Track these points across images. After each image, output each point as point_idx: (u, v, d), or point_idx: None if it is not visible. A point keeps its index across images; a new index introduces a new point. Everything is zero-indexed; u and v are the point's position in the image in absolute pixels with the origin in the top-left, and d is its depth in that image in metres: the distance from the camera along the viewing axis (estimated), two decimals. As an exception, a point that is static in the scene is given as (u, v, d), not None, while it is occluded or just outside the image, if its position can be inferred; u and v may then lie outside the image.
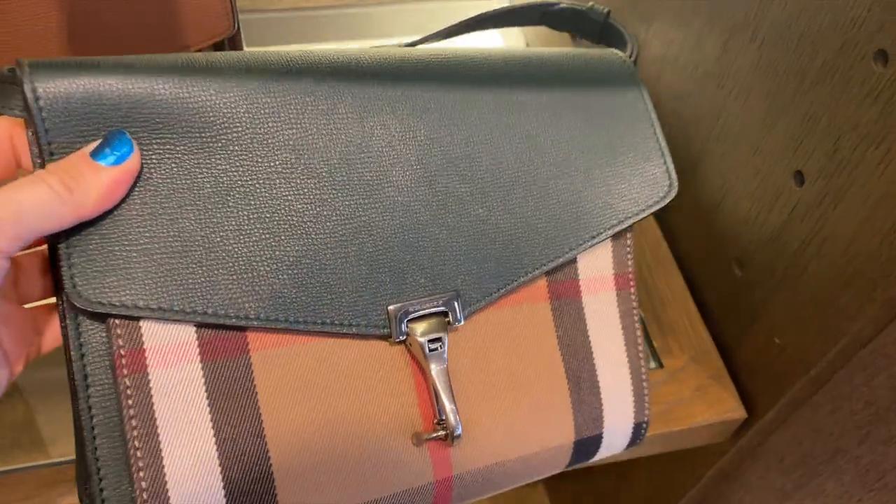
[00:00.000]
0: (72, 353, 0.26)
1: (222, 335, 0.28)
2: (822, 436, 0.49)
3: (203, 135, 0.28)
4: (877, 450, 0.45)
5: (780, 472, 0.55)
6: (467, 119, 0.33)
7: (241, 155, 0.28)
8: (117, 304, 0.25)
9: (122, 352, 0.26)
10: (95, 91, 0.26)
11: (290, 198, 0.28)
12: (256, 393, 0.28)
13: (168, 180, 0.27)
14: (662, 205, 0.39)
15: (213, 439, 0.27)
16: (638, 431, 0.39)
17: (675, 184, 0.39)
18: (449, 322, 0.31)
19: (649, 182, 0.38)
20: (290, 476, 0.29)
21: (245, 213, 0.28)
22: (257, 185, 0.28)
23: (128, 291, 0.26)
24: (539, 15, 0.43)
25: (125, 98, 0.26)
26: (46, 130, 0.25)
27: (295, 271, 0.28)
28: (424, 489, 0.32)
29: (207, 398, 0.27)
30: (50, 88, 0.25)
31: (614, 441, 0.38)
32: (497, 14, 0.41)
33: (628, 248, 0.39)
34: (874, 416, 0.44)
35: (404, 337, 0.30)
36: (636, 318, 0.39)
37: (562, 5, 0.43)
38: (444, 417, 0.31)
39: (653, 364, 0.54)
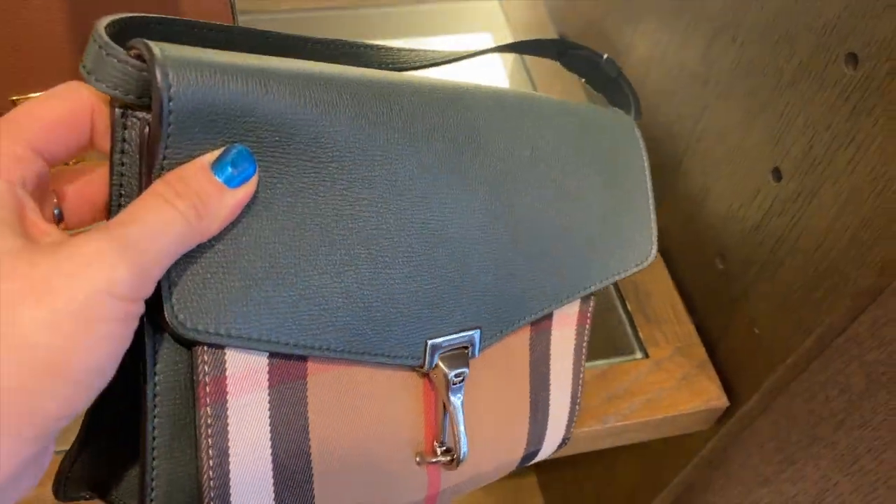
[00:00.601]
0: (147, 373, 0.25)
1: (289, 361, 0.28)
2: (800, 423, 0.51)
3: (314, 158, 0.26)
4: (852, 434, 0.47)
5: (761, 458, 0.57)
6: (521, 167, 0.33)
7: (343, 184, 0.27)
8: (212, 332, 0.24)
9: (208, 379, 0.25)
10: (227, 95, 0.23)
11: (373, 233, 0.28)
12: (308, 413, 0.28)
13: (275, 205, 0.25)
14: (640, 269, 0.40)
15: (270, 457, 0.28)
16: (562, 444, 0.43)
17: (655, 250, 0.41)
18: (468, 355, 0.33)
19: (638, 246, 0.40)
20: (324, 488, 0.30)
21: (336, 245, 0.27)
22: (351, 218, 0.27)
23: (224, 319, 0.24)
24: (557, 52, 0.44)
25: (250, 106, 0.24)
26: (169, 135, 0.22)
27: (365, 305, 0.28)
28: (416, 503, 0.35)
29: (269, 421, 0.27)
30: (185, 84, 0.22)
31: (546, 452, 0.42)
32: (522, 43, 0.42)
33: (592, 296, 0.41)
34: (848, 403, 0.46)
35: (431, 368, 0.32)
36: (585, 348, 0.41)
37: (582, 51, 0.44)
38: (451, 445, 0.33)
39: (639, 354, 0.56)
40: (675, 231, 0.60)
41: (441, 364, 0.31)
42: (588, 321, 0.41)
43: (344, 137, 0.26)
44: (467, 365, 0.32)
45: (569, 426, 0.42)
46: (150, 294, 0.21)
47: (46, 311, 0.18)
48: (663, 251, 0.62)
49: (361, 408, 0.30)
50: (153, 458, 0.26)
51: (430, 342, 0.31)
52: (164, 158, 0.22)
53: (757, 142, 0.48)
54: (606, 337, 0.59)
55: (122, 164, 0.23)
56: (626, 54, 0.62)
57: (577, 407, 0.42)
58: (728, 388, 0.54)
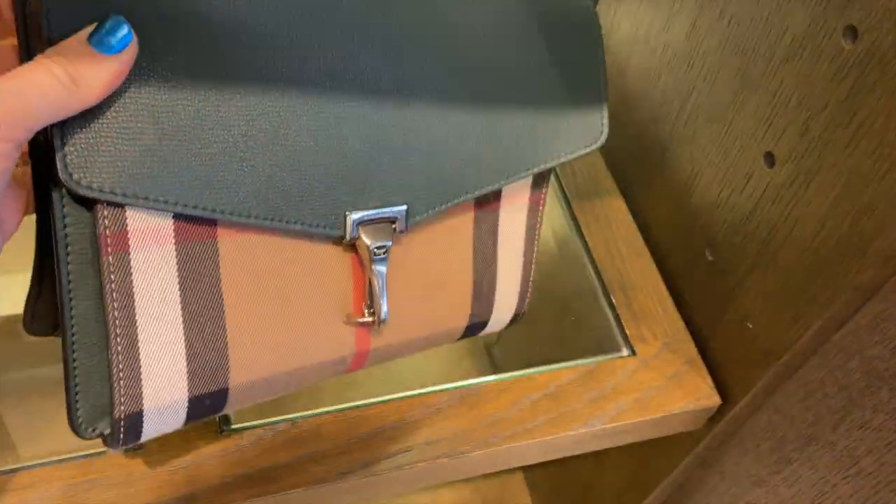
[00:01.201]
0: (56, 234, 0.27)
1: (197, 223, 0.30)
2: (796, 422, 0.49)
3: (210, 28, 0.27)
4: (852, 435, 0.45)
5: (755, 458, 0.54)
6: (455, 35, 0.34)
7: (241, 52, 0.28)
8: (107, 190, 0.26)
9: (108, 233, 0.28)
10: None
11: (272, 106, 0.29)
12: (220, 270, 0.31)
13: (166, 71, 0.27)
14: (590, 151, 0.39)
15: (179, 306, 0.30)
16: (516, 319, 0.45)
17: (606, 133, 0.39)
18: (395, 230, 0.34)
19: (588, 127, 0.39)
20: (242, 339, 0.32)
21: (234, 113, 0.28)
22: (250, 90, 0.29)
23: (117, 180, 0.26)
24: None
25: None
26: (49, 10, 0.24)
27: (269, 175, 0.30)
28: (345, 359, 0.37)
29: (178, 274, 0.30)
30: None
31: (495, 326, 0.44)
32: None
33: (547, 178, 0.42)
34: (848, 401, 0.44)
35: (355, 238, 0.33)
36: (538, 230, 0.42)
37: None
38: (374, 309, 0.35)
39: (625, 352, 0.53)
40: (661, 221, 0.57)
41: (363, 236, 0.33)
42: (541, 205, 0.42)
43: (243, 6, 0.28)
44: (391, 239, 0.34)
45: (520, 304, 0.44)
46: (21, 140, 0.24)
47: None
48: (650, 242, 0.59)
49: (283, 270, 0.33)
50: (70, 299, 0.28)
51: (349, 215, 0.32)
52: (50, 32, 0.24)
53: (747, 125, 0.45)
54: (591, 334, 0.56)
55: (27, 39, 0.26)
56: (609, 36, 0.59)
57: (528, 285, 0.44)
58: (720, 385, 0.52)
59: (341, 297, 0.35)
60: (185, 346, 0.31)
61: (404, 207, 0.34)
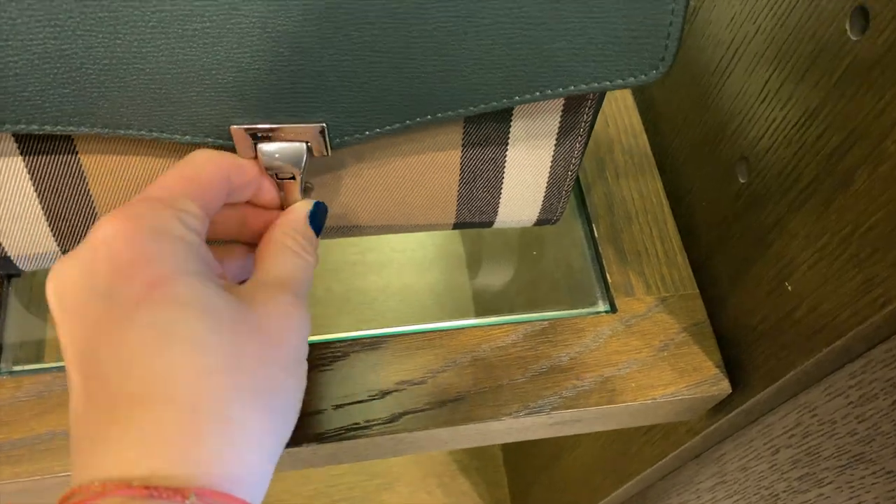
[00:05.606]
0: None
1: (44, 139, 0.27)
2: (839, 432, 0.33)
3: None
4: (925, 468, 0.29)
5: (770, 465, 0.39)
6: None
7: None
8: None
9: None
10: None
11: None
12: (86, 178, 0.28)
13: None
14: (642, 82, 0.25)
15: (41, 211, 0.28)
16: (545, 222, 0.34)
17: (669, 61, 0.25)
18: (310, 152, 0.27)
19: (641, 46, 0.25)
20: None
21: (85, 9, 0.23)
22: None
23: None
24: None
25: None
26: None
27: (124, 78, 0.25)
28: None
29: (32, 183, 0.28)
30: None
31: (514, 222, 0.34)
32: None
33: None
34: (932, 421, 0.28)
35: (254, 156, 0.27)
36: (581, 134, 0.30)
37: None
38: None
39: (601, 306, 0.37)
40: (678, 121, 0.40)
41: (263, 152, 0.26)
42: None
43: None
44: (300, 165, 0.27)
45: (545, 211, 0.33)
46: None
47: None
48: (658, 151, 0.41)
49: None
50: None
51: (234, 128, 0.26)
52: None
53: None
54: (552, 274, 0.40)
55: None
56: None
57: (561, 196, 0.33)
58: (732, 365, 0.36)
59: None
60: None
61: (319, 125, 0.26)
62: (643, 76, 0.25)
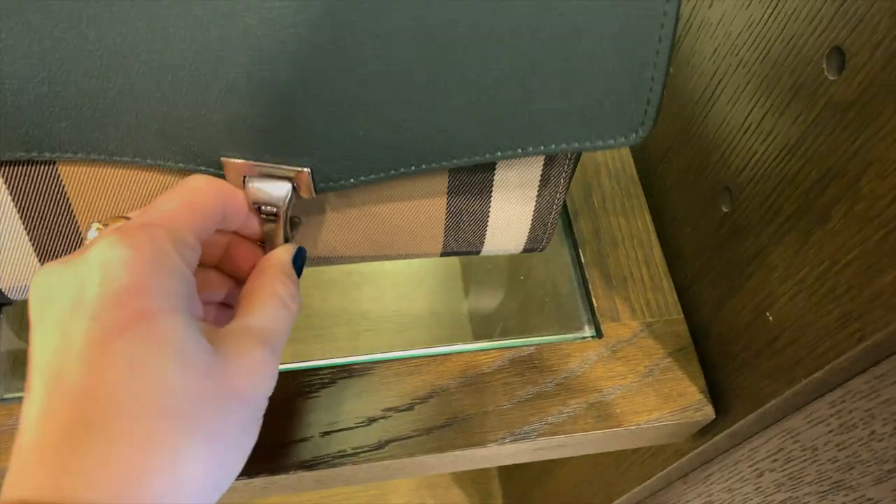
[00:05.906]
0: None
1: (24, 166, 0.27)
2: (820, 458, 0.33)
3: None
4: (903, 496, 0.29)
5: (755, 488, 0.39)
6: None
7: None
8: None
9: None
10: None
11: (131, 22, 0.23)
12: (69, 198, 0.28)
13: None
14: (622, 144, 0.25)
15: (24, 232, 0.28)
16: (531, 250, 0.35)
17: (650, 124, 0.25)
18: (295, 193, 0.28)
19: (625, 108, 0.25)
20: None
21: (84, 36, 0.23)
22: (103, 8, 0.23)
23: None
24: None
25: None
26: None
27: (117, 116, 0.25)
28: None
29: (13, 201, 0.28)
30: None
31: (500, 251, 0.34)
32: None
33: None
34: (908, 452, 0.28)
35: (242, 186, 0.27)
36: (565, 181, 0.31)
37: None
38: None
39: (587, 331, 0.38)
40: (662, 148, 0.40)
41: (251, 187, 0.27)
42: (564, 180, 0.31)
43: None
44: (285, 202, 0.27)
45: (531, 242, 0.34)
46: None
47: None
48: (644, 178, 0.42)
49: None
50: None
51: (224, 159, 0.26)
52: None
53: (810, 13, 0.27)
54: (540, 299, 0.40)
55: None
56: None
57: (546, 227, 0.33)
58: (716, 392, 0.36)
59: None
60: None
61: (305, 169, 0.26)
62: (623, 139, 0.25)
